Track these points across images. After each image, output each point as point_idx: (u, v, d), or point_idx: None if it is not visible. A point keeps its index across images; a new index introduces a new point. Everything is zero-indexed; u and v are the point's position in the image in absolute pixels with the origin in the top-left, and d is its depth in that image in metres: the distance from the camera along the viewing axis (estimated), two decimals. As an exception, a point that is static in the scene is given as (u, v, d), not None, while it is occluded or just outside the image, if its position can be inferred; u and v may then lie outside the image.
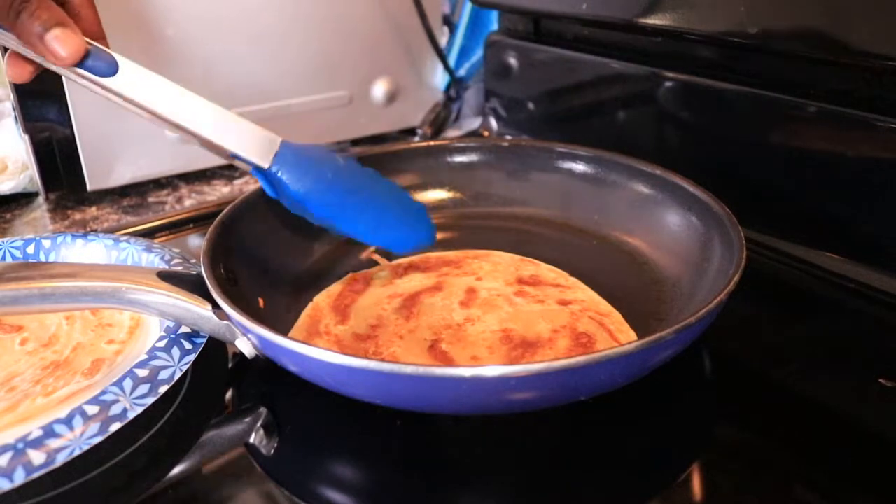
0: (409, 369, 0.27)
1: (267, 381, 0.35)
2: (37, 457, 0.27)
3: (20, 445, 0.27)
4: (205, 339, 0.34)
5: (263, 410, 0.33)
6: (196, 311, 0.32)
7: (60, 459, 0.27)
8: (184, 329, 0.34)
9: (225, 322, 0.32)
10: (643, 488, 0.29)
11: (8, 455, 0.27)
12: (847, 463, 0.30)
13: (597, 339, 0.35)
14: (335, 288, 0.41)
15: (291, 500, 0.29)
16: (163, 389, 0.31)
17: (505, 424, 0.32)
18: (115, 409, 0.29)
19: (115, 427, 0.29)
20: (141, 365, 0.31)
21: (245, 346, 0.33)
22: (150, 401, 0.30)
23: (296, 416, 0.33)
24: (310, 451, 0.31)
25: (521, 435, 0.32)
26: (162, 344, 0.33)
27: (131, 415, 0.29)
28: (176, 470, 0.30)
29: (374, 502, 0.29)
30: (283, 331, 0.36)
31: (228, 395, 0.35)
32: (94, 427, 0.28)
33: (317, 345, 0.31)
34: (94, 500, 0.28)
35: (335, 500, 0.29)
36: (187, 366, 0.32)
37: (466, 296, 0.39)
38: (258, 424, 0.32)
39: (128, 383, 0.30)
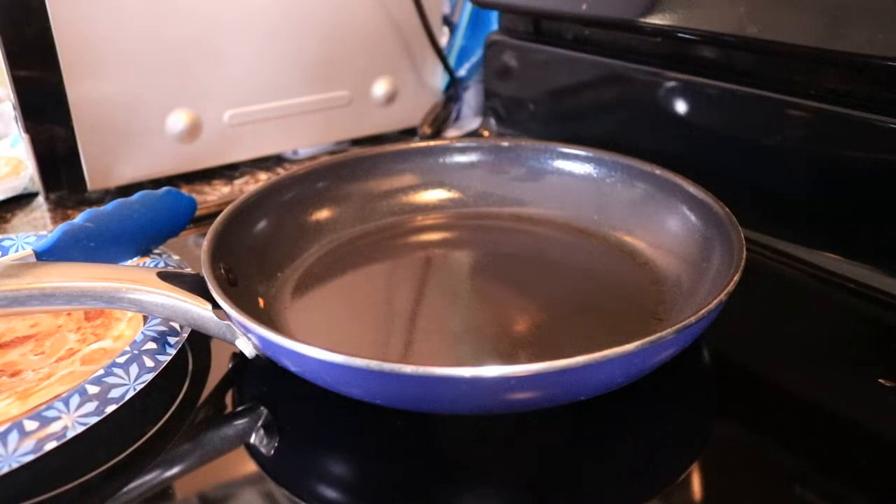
0: (408, 369, 0.27)
1: (267, 381, 0.35)
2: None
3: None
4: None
5: (263, 410, 0.33)
6: (196, 311, 0.32)
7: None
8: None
9: (225, 322, 0.32)
10: (643, 488, 0.29)
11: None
12: (847, 463, 0.30)
13: None
14: None
15: (291, 500, 0.29)
16: (168, 357, 0.33)
17: (505, 424, 0.32)
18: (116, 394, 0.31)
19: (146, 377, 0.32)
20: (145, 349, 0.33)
21: (245, 346, 0.33)
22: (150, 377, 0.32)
23: (296, 416, 0.33)
24: (310, 451, 0.31)
25: (521, 435, 0.32)
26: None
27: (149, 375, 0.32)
28: (176, 469, 0.30)
29: (373, 502, 0.29)
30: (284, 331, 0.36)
31: (228, 395, 0.35)
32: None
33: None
34: (94, 500, 0.28)
35: (335, 499, 0.29)
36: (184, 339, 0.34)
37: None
38: (258, 424, 0.32)
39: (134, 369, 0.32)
